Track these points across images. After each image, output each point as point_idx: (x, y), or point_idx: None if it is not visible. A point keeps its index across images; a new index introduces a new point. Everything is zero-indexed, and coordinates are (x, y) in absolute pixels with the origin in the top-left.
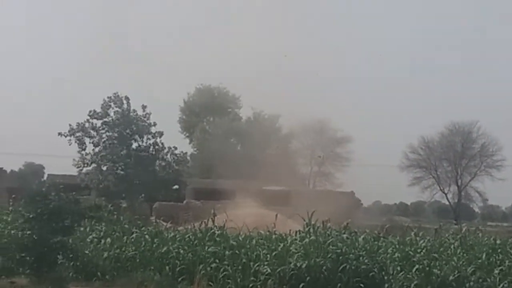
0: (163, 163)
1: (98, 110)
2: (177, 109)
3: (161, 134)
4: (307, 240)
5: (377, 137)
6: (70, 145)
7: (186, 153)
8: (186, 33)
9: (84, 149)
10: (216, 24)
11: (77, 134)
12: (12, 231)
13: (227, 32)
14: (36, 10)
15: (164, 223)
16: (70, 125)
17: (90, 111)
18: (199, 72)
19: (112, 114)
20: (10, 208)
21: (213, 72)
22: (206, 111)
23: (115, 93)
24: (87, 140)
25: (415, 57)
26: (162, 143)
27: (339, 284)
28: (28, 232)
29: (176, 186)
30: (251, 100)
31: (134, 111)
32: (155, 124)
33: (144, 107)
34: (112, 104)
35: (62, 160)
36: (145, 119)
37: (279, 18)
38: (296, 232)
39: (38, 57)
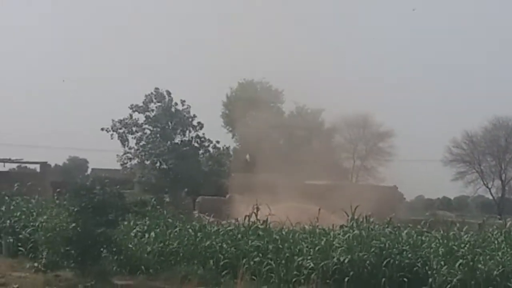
0: (206, 156)
1: (140, 105)
2: (220, 104)
3: (201, 126)
4: (350, 234)
5: (420, 131)
6: (112, 139)
7: (228, 147)
8: (228, 27)
9: (127, 145)
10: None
11: (120, 130)
12: (57, 225)
13: (269, 27)
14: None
15: (207, 217)
16: (113, 120)
17: (132, 105)
18: (243, 66)
19: (154, 108)
20: (55, 202)
21: (256, 66)
22: (249, 105)
23: (156, 88)
24: (129, 135)
25: (458, 51)
26: (204, 137)
27: (382, 279)
28: (73, 226)
29: (219, 180)
30: (294, 94)
31: (176, 104)
32: (195, 117)
33: (183, 101)
34: (153, 98)
35: (106, 154)
36: (185, 113)
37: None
38: (339, 226)
39: (78, 53)
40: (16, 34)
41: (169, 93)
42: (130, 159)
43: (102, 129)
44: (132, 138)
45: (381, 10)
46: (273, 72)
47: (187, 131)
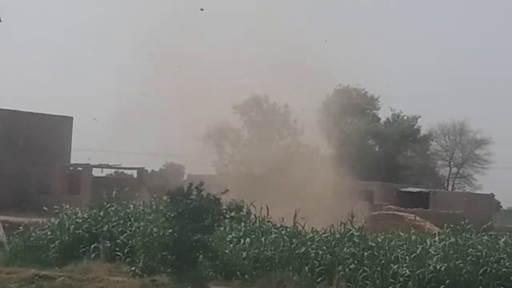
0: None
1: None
2: (315, 111)
3: (301, 131)
4: (446, 242)
5: None
6: (207, 145)
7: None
8: (325, 34)
9: (222, 150)
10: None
11: (215, 136)
12: (154, 230)
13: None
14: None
15: (302, 224)
16: (207, 127)
17: (233, 107)
18: (338, 73)
19: (253, 114)
20: (152, 207)
21: (352, 73)
22: (345, 112)
23: (254, 94)
24: (225, 141)
25: None
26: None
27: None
28: (170, 231)
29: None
30: (389, 101)
31: (277, 108)
32: (295, 121)
33: (285, 106)
34: (252, 103)
35: (201, 160)
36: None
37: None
38: (435, 234)
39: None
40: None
41: (267, 98)
42: (225, 165)
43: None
44: (229, 144)
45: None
46: (369, 78)
47: (287, 136)
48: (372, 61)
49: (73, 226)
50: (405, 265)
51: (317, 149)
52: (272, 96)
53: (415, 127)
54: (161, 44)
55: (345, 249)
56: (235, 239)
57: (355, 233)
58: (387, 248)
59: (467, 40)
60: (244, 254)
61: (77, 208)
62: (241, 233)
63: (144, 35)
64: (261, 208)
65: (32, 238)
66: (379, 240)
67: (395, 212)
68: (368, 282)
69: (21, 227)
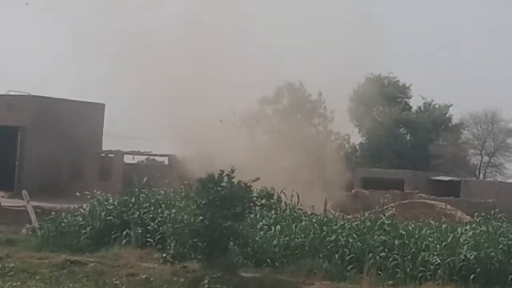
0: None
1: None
2: (346, 99)
3: (332, 118)
4: (477, 231)
5: None
6: (238, 132)
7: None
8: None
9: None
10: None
11: (247, 123)
12: (185, 217)
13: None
14: None
15: (332, 212)
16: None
17: (261, 98)
18: (369, 60)
19: (285, 101)
20: (183, 194)
21: (383, 61)
22: (376, 100)
23: (288, 81)
24: (257, 129)
25: None
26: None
27: (510, 276)
28: (200, 218)
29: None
30: (422, 89)
31: (310, 95)
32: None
33: (320, 94)
34: (285, 91)
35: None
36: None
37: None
38: (466, 222)
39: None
40: None
41: (301, 85)
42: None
43: (221, 121)
44: (261, 130)
45: None
46: (401, 66)
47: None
48: (403, 48)
49: (104, 212)
50: (435, 253)
51: (348, 137)
52: (305, 83)
53: (447, 115)
54: (197, 28)
55: (375, 237)
56: (265, 227)
57: (385, 221)
58: (417, 236)
59: (499, 27)
60: (275, 241)
61: (109, 195)
62: (272, 221)
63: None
64: (292, 196)
65: (63, 224)
66: (410, 228)
67: (426, 201)
68: (398, 270)
69: (53, 213)
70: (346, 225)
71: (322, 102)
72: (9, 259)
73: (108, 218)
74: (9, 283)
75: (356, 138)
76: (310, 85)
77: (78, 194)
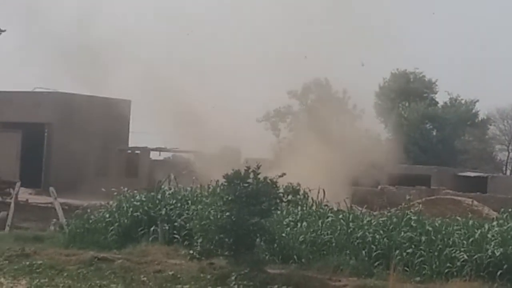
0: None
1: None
2: (372, 95)
3: (360, 116)
4: (504, 227)
5: None
6: (265, 129)
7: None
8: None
9: (278, 134)
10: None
11: (273, 119)
12: (212, 213)
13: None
14: None
15: (359, 208)
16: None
17: (289, 92)
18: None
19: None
20: (209, 191)
21: (409, 56)
22: (402, 96)
23: (315, 78)
24: (281, 123)
25: None
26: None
27: None
28: (227, 214)
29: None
30: (448, 85)
31: (337, 92)
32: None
33: (344, 91)
34: (312, 86)
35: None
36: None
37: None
38: (493, 218)
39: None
40: None
41: (327, 81)
42: (283, 148)
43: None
44: (285, 127)
45: None
46: (427, 61)
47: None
48: (429, 43)
49: (131, 209)
50: (462, 249)
51: (379, 135)
52: (331, 79)
53: (473, 111)
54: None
55: (402, 233)
56: (292, 223)
57: (412, 217)
58: (444, 232)
59: None
60: (301, 237)
61: (135, 191)
62: (298, 217)
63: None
64: (318, 192)
65: (91, 221)
66: (437, 224)
67: (452, 197)
68: (425, 266)
69: (81, 209)
70: (372, 221)
71: (348, 98)
72: (37, 256)
73: (135, 214)
74: (37, 280)
75: (382, 134)
76: (337, 81)
77: (104, 190)
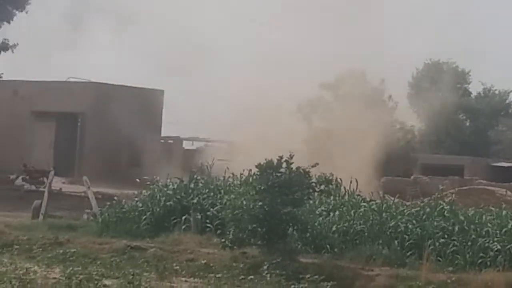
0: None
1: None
2: (406, 84)
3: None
4: None
5: None
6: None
7: (413, 126)
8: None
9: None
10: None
11: (305, 110)
12: (244, 203)
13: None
14: None
15: (392, 198)
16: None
17: (321, 84)
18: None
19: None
20: (242, 180)
21: (443, 46)
22: (435, 86)
23: (349, 68)
24: (315, 116)
25: None
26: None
27: None
28: (260, 204)
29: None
30: (481, 75)
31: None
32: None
33: (382, 80)
34: (345, 77)
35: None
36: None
37: None
38: None
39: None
40: None
41: (363, 72)
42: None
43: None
44: (319, 117)
45: None
46: (461, 52)
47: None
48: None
49: (164, 198)
50: (495, 239)
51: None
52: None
53: (507, 101)
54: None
55: (435, 223)
56: (324, 213)
57: (445, 207)
58: (477, 222)
59: None
60: (334, 227)
61: (168, 180)
62: (331, 207)
63: None
64: (350, 182)
65: (124, 210)
66: (470, 214)
67: (485, 187)
68: (458, 256)
69: (116, 198)
70: (405, 211)
71: (383, 90)
72: (70, 244)
73: (168, 203)
74: (71, 268)
75: (416, 124)
76: (371, 72)
77: (137, 180)
